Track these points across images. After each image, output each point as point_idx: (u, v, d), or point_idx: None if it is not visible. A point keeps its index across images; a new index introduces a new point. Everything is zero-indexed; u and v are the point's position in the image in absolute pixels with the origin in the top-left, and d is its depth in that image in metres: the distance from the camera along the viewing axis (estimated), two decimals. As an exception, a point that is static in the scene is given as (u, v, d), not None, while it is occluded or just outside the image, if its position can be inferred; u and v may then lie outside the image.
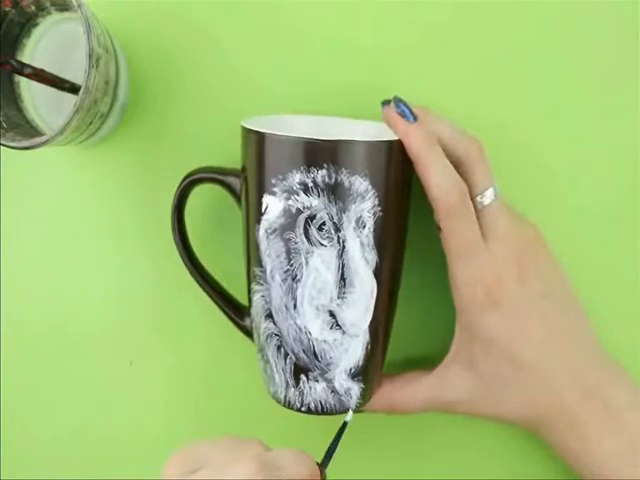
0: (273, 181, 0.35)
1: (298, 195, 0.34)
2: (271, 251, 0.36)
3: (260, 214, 0.36)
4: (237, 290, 0.41)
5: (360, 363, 0.37)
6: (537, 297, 0.38)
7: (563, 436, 0.39)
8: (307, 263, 0.35)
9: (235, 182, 0.38)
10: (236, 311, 0.41)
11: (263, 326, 0.37)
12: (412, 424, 0.43)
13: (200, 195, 0.42)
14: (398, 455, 0.45)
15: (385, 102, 0.39)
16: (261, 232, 0.36)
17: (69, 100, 0.38)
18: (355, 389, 0.37)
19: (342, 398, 0.37)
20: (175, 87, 0.44)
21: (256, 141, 0.36)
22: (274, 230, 0.35)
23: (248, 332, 0.41)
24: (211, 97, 0.43)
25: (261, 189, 0.35)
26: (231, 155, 0.40)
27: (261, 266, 0.36)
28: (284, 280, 0.36)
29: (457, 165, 0.38)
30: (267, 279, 0.36)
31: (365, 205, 0.35)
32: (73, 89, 0.39)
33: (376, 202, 0.35)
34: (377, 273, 0.36)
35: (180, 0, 0.43)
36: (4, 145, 0.35)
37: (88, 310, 0.44)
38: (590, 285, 0.43)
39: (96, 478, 0.44)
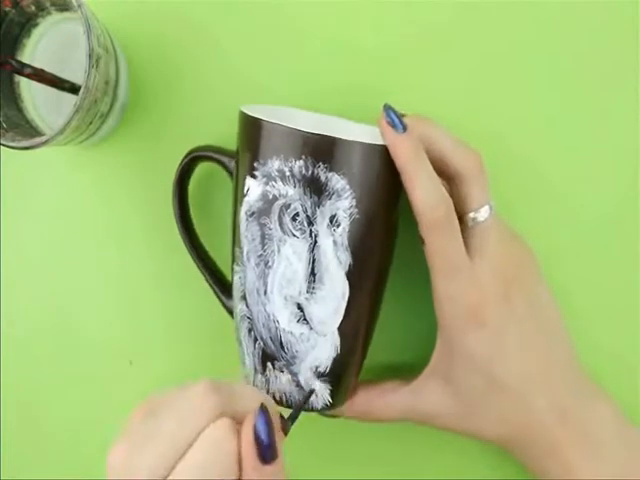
0: (255, 164, 0.35)
1: (276, 182, 0.35)
2: (248, 233, 0.36)
3: (243, 195, 0.36)
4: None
5: (328, 364, 0.36)
6: (521, 319, 0.37)
7: (545, 462, 0.38)
8: (279, 251, 0.35)
9: (233, 163, 0.39)
10: (224, 291, 0.42)
11: (238, 307, 0.37)
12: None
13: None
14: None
15: None
16: (242, 214, 0.36)
17: (69, 100, 0.38)
18: (321, 389, 0.37)
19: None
20: (175, 87, 0.44)
21: (245, 124, 0.37)
22: (252, 213, 0.36)
23: (231, 313, 0.41)
24: (211, 97, 0.43)
25: (245, 171, 0.36)
26: (231, 155, 0.40)
27: (240, 247, 0.37)
28: (257, 264, 0.36)
29: (453, 178, 0.37)
30: (244, 261, 0.36)
31: (341, 204, 0.34)
32: (73, 89, 0.39)
33: (353, 203, 0.35)
34: (350, 275, 0.35)
35: (180, 0, 0.43)
36: (4, 145, 0.35)
37: (88, 310, 0.44)
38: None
39: (96, 478, 0.44)
